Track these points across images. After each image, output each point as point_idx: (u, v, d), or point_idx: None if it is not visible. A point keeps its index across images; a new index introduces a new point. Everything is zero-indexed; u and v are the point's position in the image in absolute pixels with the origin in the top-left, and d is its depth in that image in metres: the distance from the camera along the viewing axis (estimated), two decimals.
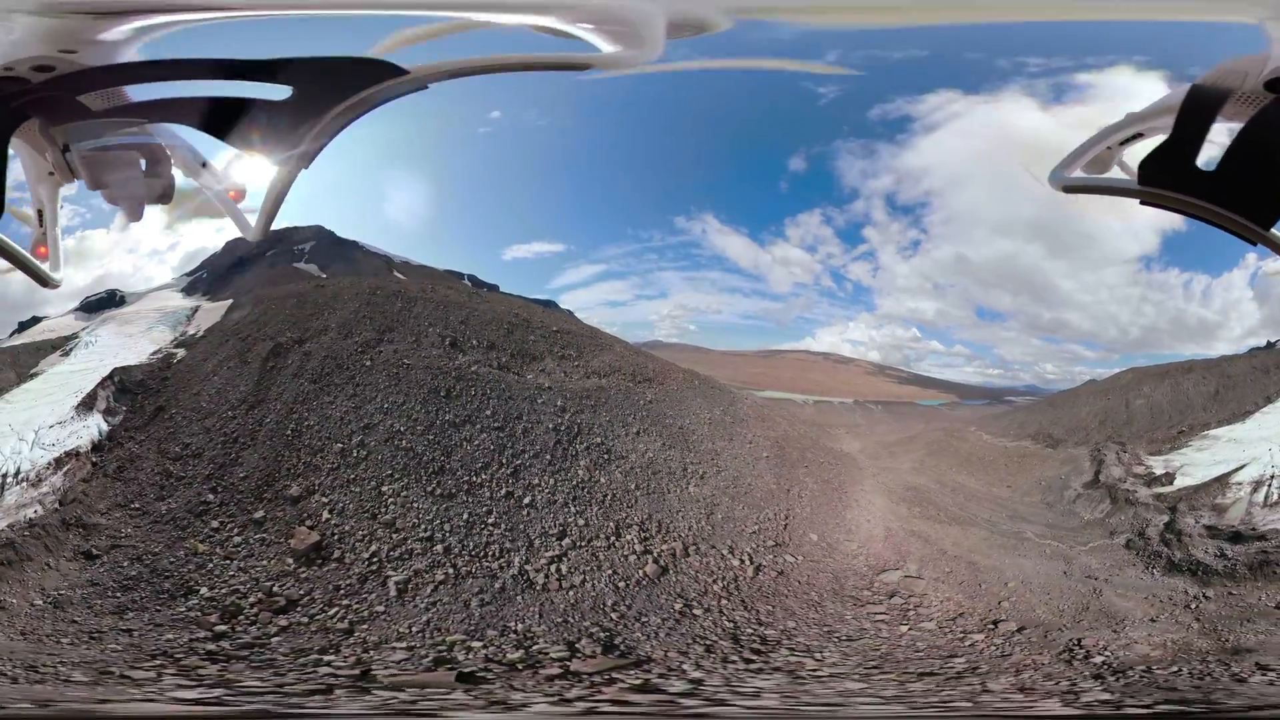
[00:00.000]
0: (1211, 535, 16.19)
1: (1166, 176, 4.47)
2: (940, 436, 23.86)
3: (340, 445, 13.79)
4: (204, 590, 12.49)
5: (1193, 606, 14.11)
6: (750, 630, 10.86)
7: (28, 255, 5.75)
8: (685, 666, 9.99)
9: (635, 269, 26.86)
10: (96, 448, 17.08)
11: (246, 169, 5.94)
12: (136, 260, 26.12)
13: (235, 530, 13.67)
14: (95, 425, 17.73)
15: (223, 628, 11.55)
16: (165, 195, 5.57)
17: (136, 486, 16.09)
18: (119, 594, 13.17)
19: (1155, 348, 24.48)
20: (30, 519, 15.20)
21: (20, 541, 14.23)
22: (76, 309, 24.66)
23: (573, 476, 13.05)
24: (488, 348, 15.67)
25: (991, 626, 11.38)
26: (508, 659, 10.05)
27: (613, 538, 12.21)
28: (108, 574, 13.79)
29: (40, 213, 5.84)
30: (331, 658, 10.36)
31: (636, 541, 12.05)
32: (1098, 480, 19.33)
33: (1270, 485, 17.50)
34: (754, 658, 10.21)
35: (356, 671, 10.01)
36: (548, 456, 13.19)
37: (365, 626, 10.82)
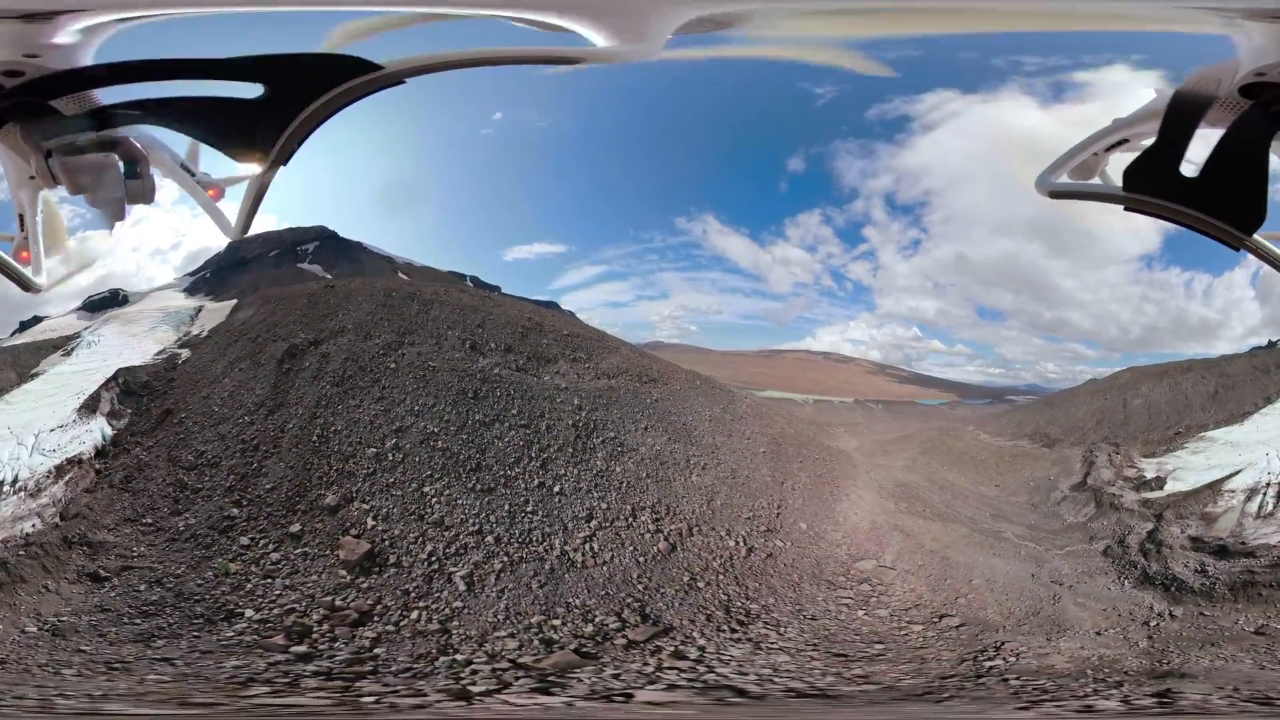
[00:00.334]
0: (1196, 548, 15.30)
1: (1150, 183, 4.50)
2: (935, 435, 23.55)
3: (374, 450, 13.91)
4: (249, 612, 11.81)
5: (1151, 624, 12.90)
6: (739, 604, 11.93)
7: (10, 260, 5.74)
8: (694, 634, 11.20)
9: (636, 269, 26.87)
10: (100, 454, 16.03)
11: (225, 169, 5.90)
12: (139, 260, 25.84)
13: (270, 546, 13.05)
14: (99, 429, 16.70)
15: (301, 648, 11.25)
16: (145, 197, 5.47)
17: (147, 499, 14.98)
18: (139, 620, 11.88)
19: (1157, 347, 24.21)
20: (27, 534, 13.98)
21: (14, 561, 12.95)
22: (79, 308, 24.48)
23: (593, 467, 13.87)
24: (505, 350, 16.29)
25: (936, 620, 11.99)
26: (585, 633, 11.05)
27: (630, 519, 13.15)
28: (121, 599, 12.51)
29: (21, 217, 5.81)
30: (448, 657, 10.78)
31: (650, 522, 13.10)
32: (1085, 483, 18.66)
33: (1265, 494, 16.60)
34: (737, 628, 11.35)
35: (487, 665, 10.55)
36: (570, 450, 13.93)
37: (455, 623, 11.28)
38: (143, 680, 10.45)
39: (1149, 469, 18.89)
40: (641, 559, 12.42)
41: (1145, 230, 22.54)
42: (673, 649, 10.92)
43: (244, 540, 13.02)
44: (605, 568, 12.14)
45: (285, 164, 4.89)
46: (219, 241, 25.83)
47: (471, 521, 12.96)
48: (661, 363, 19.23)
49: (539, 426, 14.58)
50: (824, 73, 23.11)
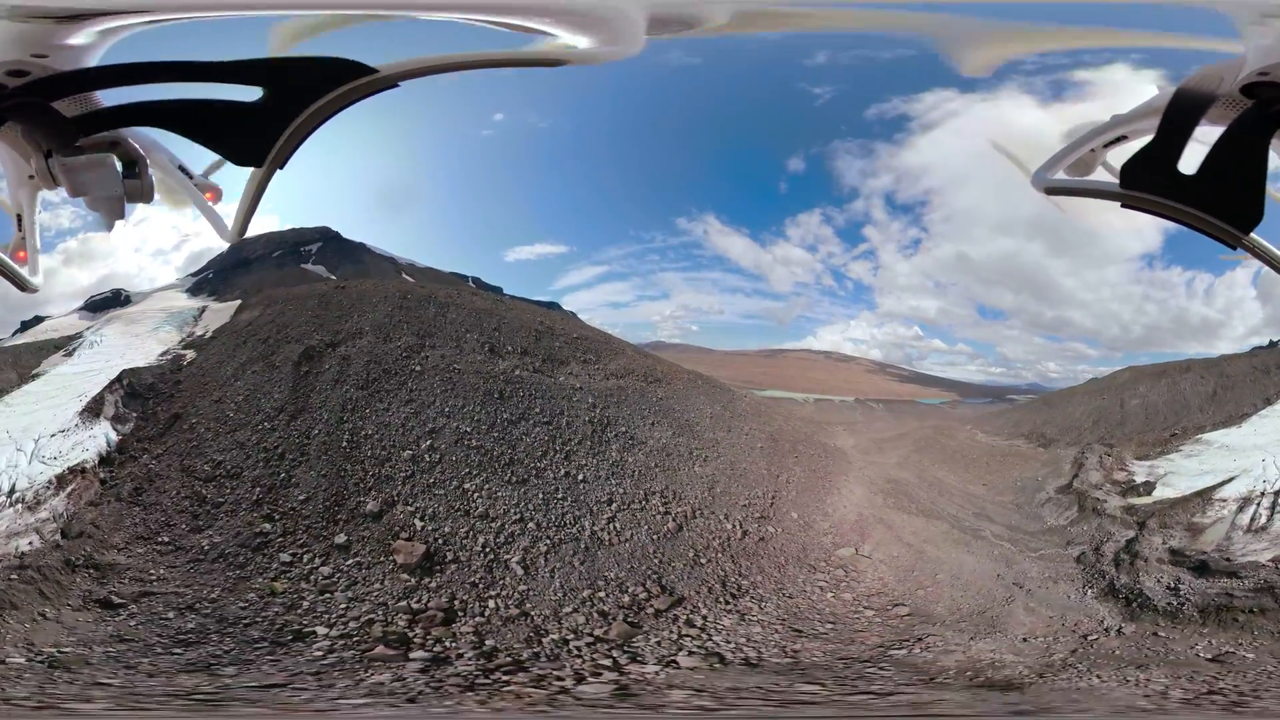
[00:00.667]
0: (1175, 561, 14.33)
1: (1148, 180, 4.47)
2: (929, 434, 23.33)
3: (410, 452, 14.24)
4: (320, 629, 11.65)
5: (1090, 638, 12.60)
6: (733, 580, 13.21)
7: (6, 259, 5.68)
8: (699, 604, 12.51)
9: (637, 270, 26.79)
10: (105, 461, 14.97)
11: (223, 171, 5.87)
12: (141, 260, 25.55)
13: (317, 560, 12.90)
14: (103, 435, 15.64)
15: (422, 654, 11.26)
16: (144, 197, 5.39)
17: (161, 514, 13.90)
18: (176, 649, 11.09)
19: (1158, 346, 23.91)
20: (23, 553, 12.74)
21: (4, 585, 11.81)
22: (80, 308, 24.18)
23: (609, 458, 14.94)
24: (522, 353, 17.14)
25: (889, 607, 12.84)
26: (624, 603, 12.29)
27: (643, 503, 14.30)
28: (145, 627, 11.54)
29: (20, 217, 5.75)
30: (547, 637, 11.56)
31: (660, 506, 14.30)
32: (1071, 485, 18.04)
33: (1259, 505, 15.57)
34: (730, 601, 12.65)
35: (576, 639, 11.52)
36: (588, 443, 14.96)
37: (530, 605, 12.05)
38: (223, 709, 10.08)
39: (1140, 472, 18.26)
40: (655, 537, 13.59)
41: (1147, 229, 22.11)
42: (685, 617, 12.20)
43: (284, 557, 12.89)
44: (627, 545, 13.25)
45: (282, 167, 4.88)
46: (220, 242, 26.34)
47: (513, 511, 13.67)
48: (665, 363, 20.53)
49: (559, 423, 15.47)
50: (823, 72, 23.23)
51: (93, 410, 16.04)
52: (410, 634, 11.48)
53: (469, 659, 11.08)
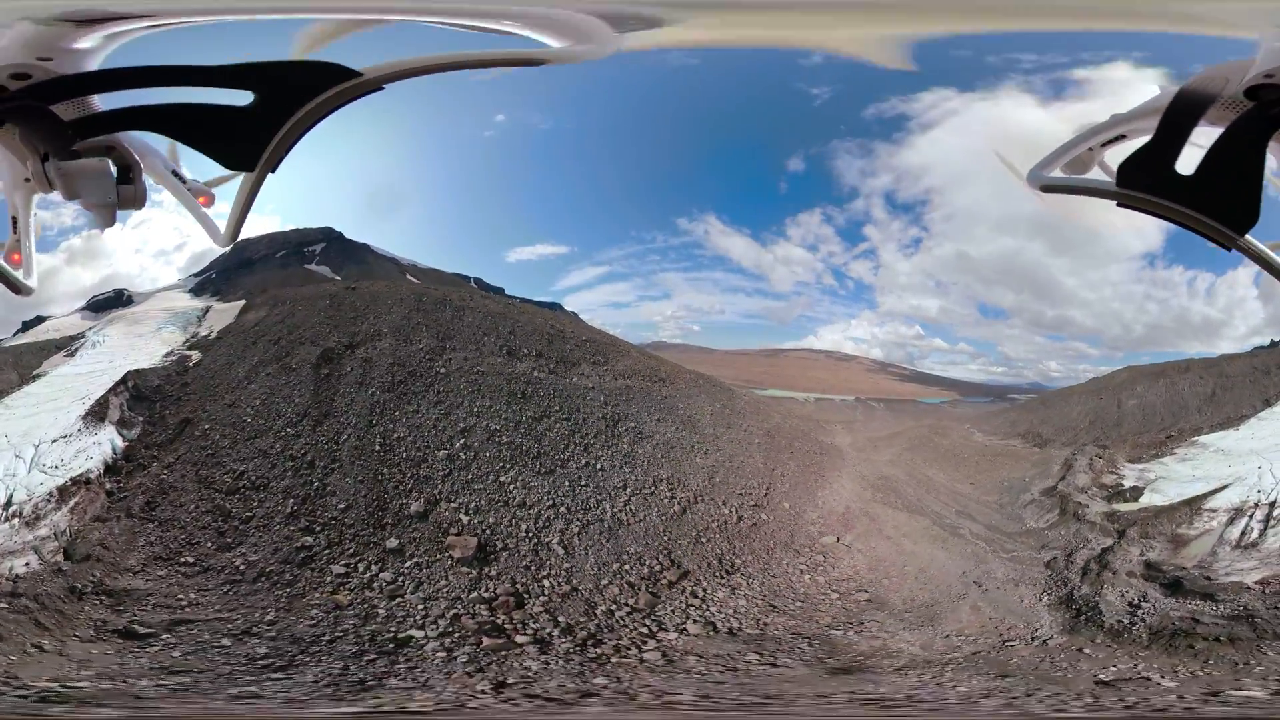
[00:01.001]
0: (1148, 576, 13.49)
1: (1144, 180, 4.44)
2: (924, 433, 23.29)
3: (445, 451, 14.82)
4: (416, 633, 11.83)
5: (1008, 643, 12.70)
6: (727, 558, 14.44)
7: (0, 262, 5.66)
8: (701, 577, 13.83)
9: (638, 270, 26.68)
10: (111, 470, 14.06)
11: (216, 175, 5.75)
12: (143, 260, 25.04)
13: (374, 567, 12.93)
14: (108, 440, 14.71)
15: (524, 638, 11.89)
16: (137, 203, 5.31)
17: (180, 531, 13.08)
18: (250, 677, 10.52)
19: (1159, 345, 23.42)
20: (16, 576, 11.67)
21: None
22: (82, 308, 23.59)
23: (621, 449, 16.11)
24: (537, 356, 18.04)
25: (853, 592, 13.96)
26: (644, 574, 13.63)
27: (653, 489, 15.50)
28: (195, 656, 10.78)
29: (15, 219, 5.70)
30: (601, 608, 12.82)
31: (667, 491, 15.51)
32: (1057, 488, 17.74)
33: (1251, 518, 14.51)
34: (724, 576, 13.94)
35: (620, 610, 12.79)
36: (602, 437, 16.11)
37: (577, 582, 13.21)
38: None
39: (1130, 476, 17.74)
40: (663, 518, 14.87)
41: (1148, 228, 21.48)
42: (690, 589, 13.53)
43: (337, 569, 12.87)
44: (641, 524, 14.53)
45: (274, 170, 4.83)
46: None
47: (545, 499, 14.65)
48: (668, 364, 21.51)
49: (577, 420, 16.59)
50: (819, 72, 23.33)
51: (97, 414, 15.43)
52: (499, 620, 12.21)
53: (559, 637, 12.06)
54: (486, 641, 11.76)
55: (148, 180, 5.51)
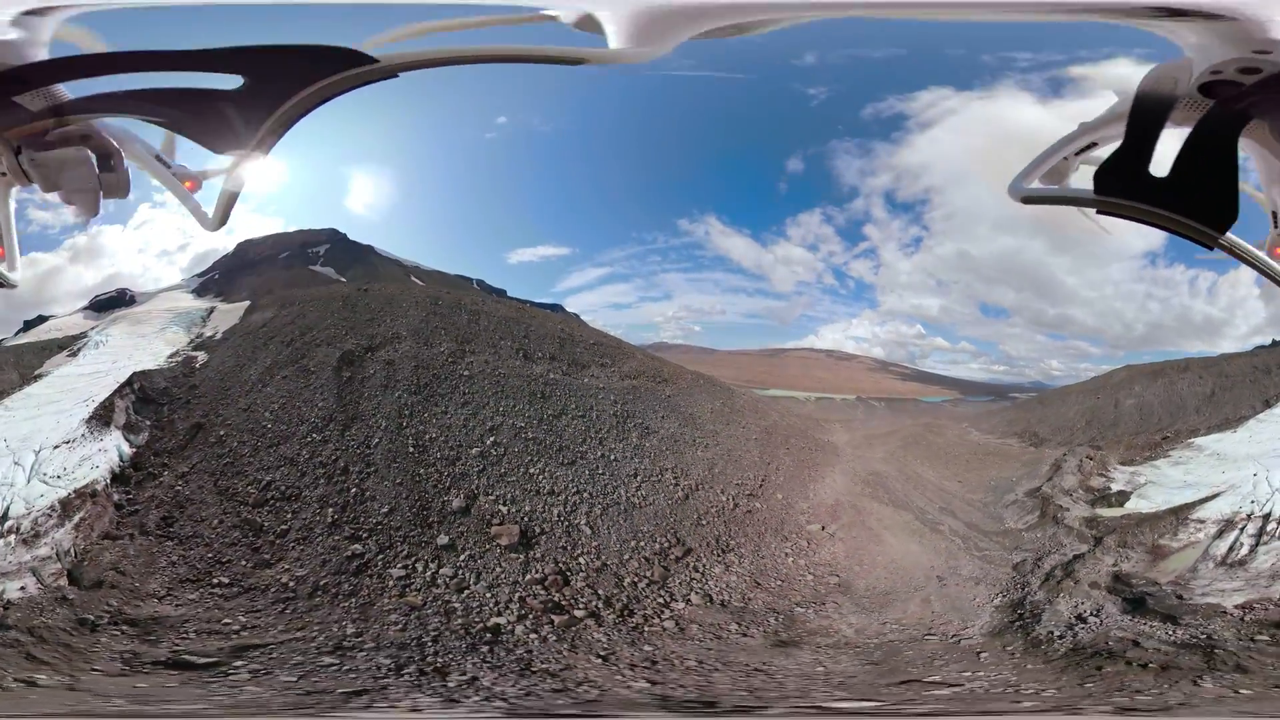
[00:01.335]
0: (1113, 589, 12.75)
1: (1121, 185, 4.50)
2: (920, 431, 23.42)
3: (477, 449, 15.53)
4: (500, 620, 12.29)
5: (925, 638, 12.69)
6: (723, 539, 15.56)
7: None
8: (701, 555, 14.94)
9: (639, 271, 26.56)
10: (118, 480, 13.02)
11: (203, 160, 5.54)
12: (145, 261, 24.45)
13: (431, 564, 13.12)
14: (114, 447, 13.68)
15: (582, 612, 12.85)
16: (120, 191, 5.27)
17: (205, 549, 12.33)
18: (407, 686, 10.32)
19: (1161, 344, 23.14)
20: (8, 603, 10.54)
21: None
22: (85, 308, 23.22)
23: (631, 443, 17.28)
24: (550, 359, 19.14)
25: (826, 576, 15.09)
26: (655, 550, 14.83)
27: (659, 477, 16.63)
28: (307, 680, 10.16)
29: None
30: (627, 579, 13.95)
31: (672, 479, 16.68)
32: (1041, 489, 17.46)
33: (1241, 531, 13.41)
34: (719, 556, 15.09)
35: (642, 583, 13.89)
36: (615, 432, 17.31)
37: (606, 559, 14.29)
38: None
39: (1119, 479, 17.22)
40: (669, 502, 16.03)
41: (1149, 227, 22.46)
42: (692, 564, 14.72)
43: (397, 572, 12.93)
44: (651, 508, 15.68)
45: (265, 154, 4.74)
46: (226, 243, 25.07)
47: (571, 486, 15.69)
48: (671, 365, 22.42)
49: (591, 416, 17.73)
50: (814, 72, 23.43)
51: (101, 418, 14.59)
52: (559, 599, 13.04)
53: (603, 609, 13.10)
54: (558, 619, 12.56)
55: (132, 167, 5.44)
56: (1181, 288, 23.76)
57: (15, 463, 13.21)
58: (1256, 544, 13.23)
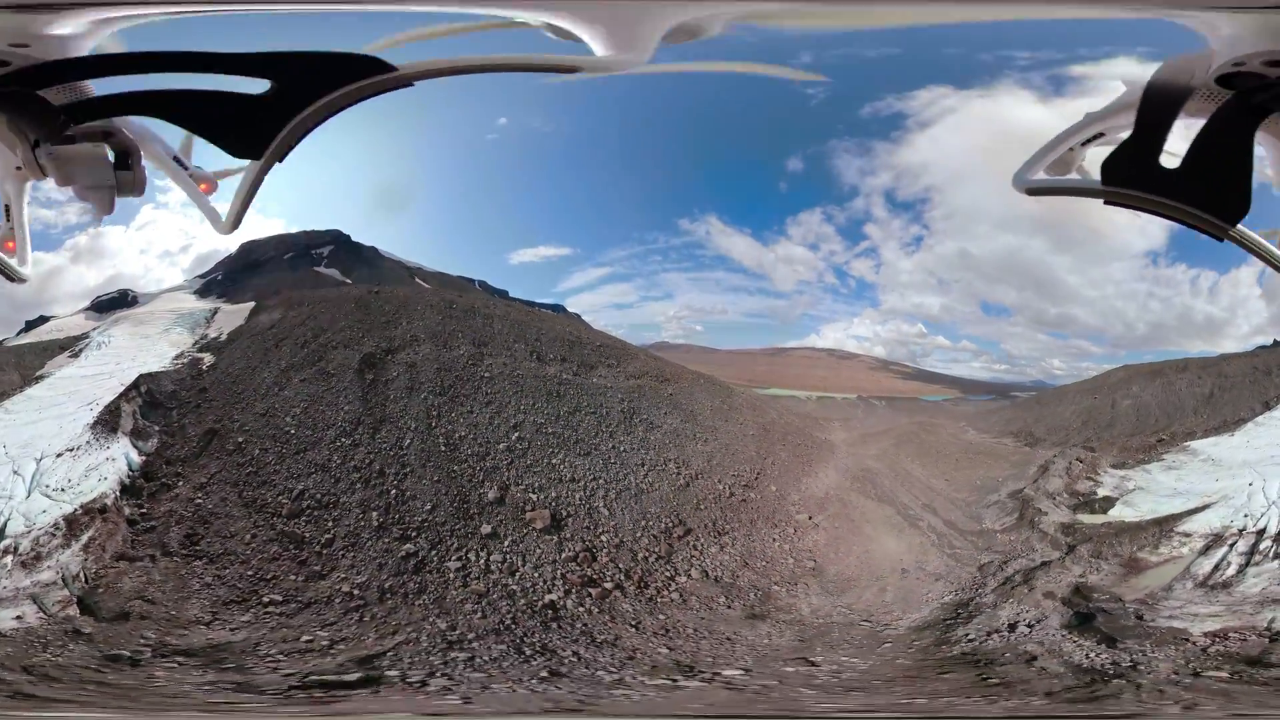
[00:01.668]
0: (1066, 601, 12.41)
1: (1130, 176, 4.57)
2: (914, 430, 23.56)
3: (504, 444, 16.82)
4: (552, 597, 13.54)
5: (834, 624, 13.40)
6: (719, 523, 16.73)
7: None
8: (699, 535, 16.18)
9: (640, 271, 26.80)
10: (128, 491, 12.53)
11: (220, 162, 5.61)
12: (147, 262, 27.54)
13: (482, 555, 14.11)
14: (122, 455, 13.23)
15: (611, 584, 14.44)
16: (136, 190, 5.35)
17: (244, 567, 12.01)
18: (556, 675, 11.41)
19: (1162, 344, 22.41)
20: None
21: None
22: (87, 308, 22.26)
23: (637, 436, 18.59)
24: (561, 360, 20.38)
25: (804, 560, 16.38)
26: (661, 530, 16.26)
27: (663, 466, 17.92)
28: (439, 677, 10.81)
29: (7, 208, 5.68)
30: (636, 555, 15.30)
31: (675, 469, 17.97)
32: (1022, 491, 17.43)
33: (1231, 548, 12.64)
34: (715, 538, 16.32)
35: (652, 559, 15.33)
36: (623, 426, 18.67)
37: (622, 536, 15.87)
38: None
39: (1107, 484, 17.05)
40: (672, 488, 17.31)
41: (1151, 226, 21.31)
42: (692, 543, 16.19)
43: (453, 564, 13.77)
44: (657, 493, 16.92)
45: (281, 160, 4.89)
46: (229, 244, 26.42)
47: (589, 474, 16.97)
48: (673, 366, 23.16)
49: (601, 413, 19.12)
50: (811, 71, 23.48)
51: (107, 423, 14.21)
52: (590, 573, 14.60)
53: (625, 581, 14.51)
54: (594, 592, 13.95)
55: (149, 167, 5.54)
56: (1183, 287, 23.58)
57: (15, 472, 12.51)
58: (1246, 564, 12.44)
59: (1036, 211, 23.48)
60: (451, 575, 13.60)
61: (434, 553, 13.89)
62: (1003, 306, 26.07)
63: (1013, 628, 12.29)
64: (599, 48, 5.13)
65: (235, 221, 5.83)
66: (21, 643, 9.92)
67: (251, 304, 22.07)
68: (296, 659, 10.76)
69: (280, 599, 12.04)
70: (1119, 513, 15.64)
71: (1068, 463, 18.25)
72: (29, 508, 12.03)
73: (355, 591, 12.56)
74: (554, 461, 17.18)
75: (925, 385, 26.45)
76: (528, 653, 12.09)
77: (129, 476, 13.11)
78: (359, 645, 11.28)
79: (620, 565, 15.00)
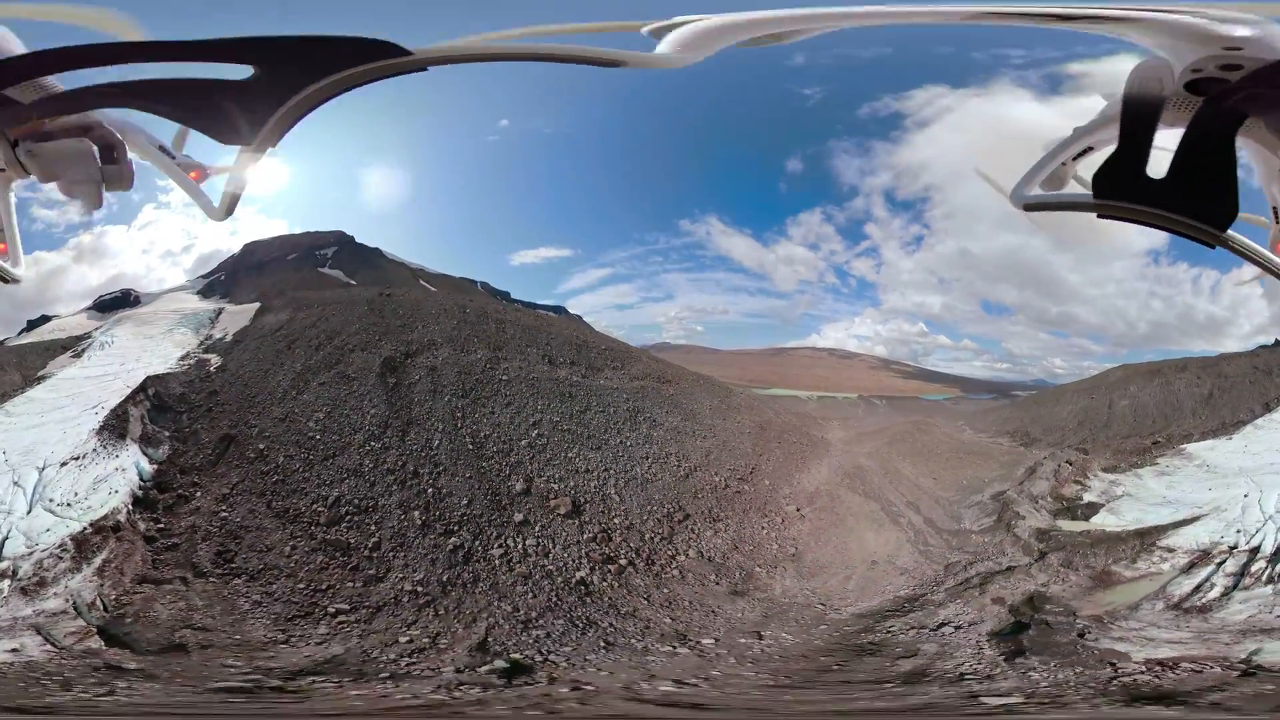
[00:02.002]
0: (1014, 610, 11.67)
1: (1119, 188, 4.50)
2: (908, 429, 23.76)
3: (525, 440, 18.12)
4: (582, 573, 15.08)
5: (816, 609, 14.07)
6: (715, 511, 18.20)
7: None
8: (697, 521, 17.53)
9: (641, 271, 26.46)
10: (141, 504, 11.32)
11: (209, 150, 5.72)
12: (149, 262, 24.99)
13: (515, 539, 15.16)
14: (132, 464, 12.08)
15: (625, 562, 15.65)
16: (123, 183, 5.12)
17: (294, 581, 11.40)
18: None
19: (1164, 343, 23.11)
20: None
21: None
22: (88, 308, 23.24)
23: (641, 432, 19.96)
24: (571, 364, 21.45)
25: (787, 546, 17.61)
26: (664, 514, 17.52)
27: (665, 459, 19.36)
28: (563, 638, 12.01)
29: None
30: (643, 536, 16.59)
31: (675, 462, 19.43)
32: (1004, 493, 17.28)
33: (1219, 568, 11.02)
34: (711, 524, 17.73)
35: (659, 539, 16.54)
36: (628, 424, 20.11)
37: (632, 519, 17.09)
38: None
39: (1095, 489, 16.46)
40: (672, 479, 18.81)
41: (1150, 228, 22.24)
42: (691, 527, 17.44)
43: (496, 552, 14.74)
44: (660, 483, 18.46)
45: (274, 145, 4.79)
46: (231, 244, 25.03)
47: (600, 466, 18.44)
48: (673, 368, 23.91)
49: (609, 411, 20.39)
50: (806, 74, 23.36)
51: (114, 429, 13.19)
52: (608, 552, 15.86)
53: (635, 558, 15.83)
54: (613, 568, 15.38)
55: (134, 159, 5.29)
56: (1184, 286, 23.69)
57: (15, 483, 11.14)
58: (1234, 586, 10.75)
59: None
60: (497, 562, 14.48)
61: (478, 543, 14.72)
62: (1004, 305, 26.15)
63: (940, 627, 12.20)
64: (665, 47, 5.03)
65: (228, 209, 5.51)
66: (13, 679, 8.37)
67: (256, 304, 21.78)
68: (419, 658, 10.98)
69: (347, 607, 11.76)
70: (1102, 520, 14.79)
71: (1056, 465, 17.72)
72: (30, 525, 10.64)
73: (419, 589, 12.73)
74: (570, 455, 18.55)
75: (926, 384, 26.47)
76: (580, 626, 13.23)
77: (141, 488, 11.87)
78: (456, 637, 11.73)
79: (631, 544, 16.29)
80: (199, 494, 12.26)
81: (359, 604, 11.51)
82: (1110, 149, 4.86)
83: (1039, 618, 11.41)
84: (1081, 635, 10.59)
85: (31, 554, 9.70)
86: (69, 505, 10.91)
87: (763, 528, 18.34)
